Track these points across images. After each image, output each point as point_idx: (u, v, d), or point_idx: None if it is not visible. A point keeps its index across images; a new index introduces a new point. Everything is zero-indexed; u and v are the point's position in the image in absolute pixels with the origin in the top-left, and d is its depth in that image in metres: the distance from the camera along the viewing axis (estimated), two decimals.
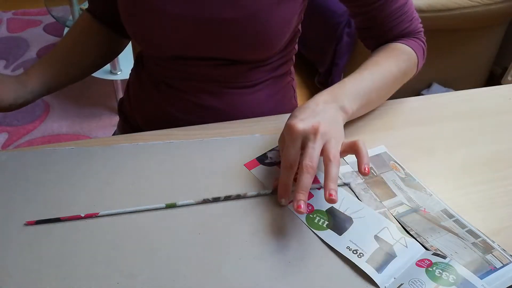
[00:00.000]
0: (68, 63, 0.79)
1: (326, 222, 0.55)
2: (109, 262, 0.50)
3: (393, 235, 0.53)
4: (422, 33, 0.76)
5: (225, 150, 0.64)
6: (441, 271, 0.48)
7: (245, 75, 0.75)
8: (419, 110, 0.75)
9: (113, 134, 0.95)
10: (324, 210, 0.56)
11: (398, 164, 0.64)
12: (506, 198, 0.60)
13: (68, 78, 0.80)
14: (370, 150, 0.65)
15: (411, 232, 0.54)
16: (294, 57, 0.83)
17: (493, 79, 2.05)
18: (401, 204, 0.58)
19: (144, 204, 0.56)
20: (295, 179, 0.54)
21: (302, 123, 0.55)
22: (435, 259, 0.50)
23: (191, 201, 0.56)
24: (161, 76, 0.77)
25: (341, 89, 0.63)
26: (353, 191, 0.59)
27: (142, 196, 0.57)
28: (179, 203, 0.56)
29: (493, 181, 0.62)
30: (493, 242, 0.53)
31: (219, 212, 0.56)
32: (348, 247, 0.52)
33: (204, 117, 0.76)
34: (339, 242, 0.52)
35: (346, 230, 0.54)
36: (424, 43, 0.76)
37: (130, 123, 0.87)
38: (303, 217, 0.55)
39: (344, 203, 0.57)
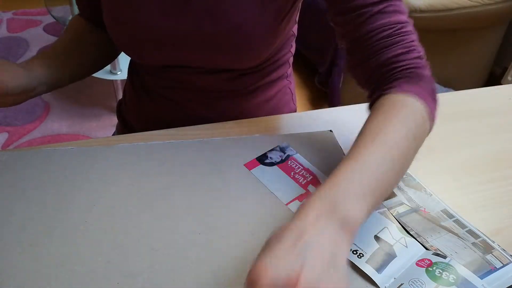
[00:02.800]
0: (68, 58, 0.74)
1: None
2: (109, 262, 0.50)
3: (393, 235, 0.53)
4: (424, 68, 0.56)
5: (225, 150, 0.64)
6: (441, 271, 0.48)
7: (236, 82, 0.74)
8: None
9: (113, 134, 0.95)
10: None
11: None
12: (506, 198, 0.60)
13: (69, 73, 0.75)
14: None
15: (411, 232, 0.54)
16: (291, 59, 0.82)
17: (493, 79, 2.05)
18: (401, 204, 0.58)
19: (144, 204, 0.56)
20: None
21: (273, 268, 0.36)
22: (435, 259, 0.50)
23: None
24: (152, 84, 0.77)
25: (339, 187, 0.43)
26: None
27: (142, 196, 0.57)
28: None
29: (493, 181, 0.62)
30: (493, 242, 0.53)
31: (219, 212, 0.56)
32: None
33: (200, 123, 0.75)
34: None
35: None
36: (430, 80, 0.56)
37: (127, 126, 0.87)
38: None
39: None
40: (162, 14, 0.65)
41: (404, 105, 0.52)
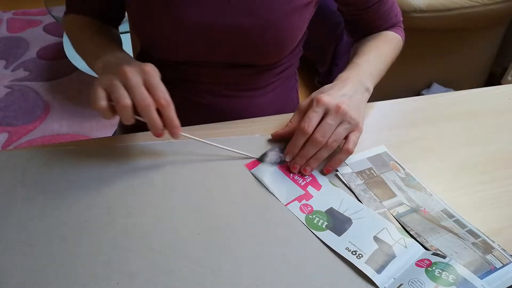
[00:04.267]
0: (118, 45, 0.71)
1: (326, 223, 0.55)
2: (109, 262, 0.50)
3: (393, 235, 0.53)
4: (402, 22, 0.84)
5: (225, 150, 0.64)
6: (440, 271, 0.48)
7: (252, 78, 0.76)
8: (419, 110, 0.75)
9: (113, 134, 0.95)
10: (324, 211, 0.56)
11: (398, 164, 0.64)
12: (506, 198, 0.60)
13: None
14: (370, 150, 0.65)
15: (411, 232, 0.54)
16: (299, 59, 0.84)
17: (493, 79, 2.05)
18: (401, 204, 0.58)
19: (144, 204, 0.56)
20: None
21: (328, 97, 0.60)
22: (434, 259, 0.50)
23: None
24: (165, 78, 0.77)
25: (361, 70, 0.68)
26: (353, 192, 0.59)
27: (142, 196, 0.57)
28: None
29: (493, 181, 0.62)
30: (493, 242, 0.53)
31: (219, 212, 0.56)
32: (347, 248, 0.51)
33: (209, 118, 0.75)
34: (338, 243, 0.52)
35: (345, 231, 0.54)
36: (403, 28, 0.84)
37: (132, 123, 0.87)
38: (302, 218, 0.55)
39: (344, 203, 0.57)
40: (204, 10, 0.66)
41: (392, 38, 0.79)
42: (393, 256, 0.51)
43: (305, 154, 0.59)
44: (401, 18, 0.83)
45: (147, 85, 0.53)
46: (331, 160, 0.60)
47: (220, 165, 0.62)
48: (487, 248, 0.52)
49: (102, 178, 0.60)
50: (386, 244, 0.52)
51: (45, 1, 1.99)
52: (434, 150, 0.67)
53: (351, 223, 0.55)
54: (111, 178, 0.59)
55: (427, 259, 0.50)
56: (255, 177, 0.60)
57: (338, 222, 0.55)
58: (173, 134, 0.55)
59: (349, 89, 0.62)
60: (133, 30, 0.72)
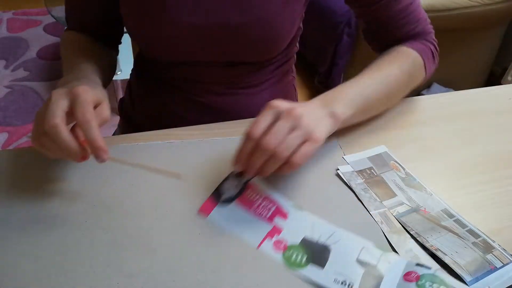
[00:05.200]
0: (100, 73, 0.70)
1: (305, 256, 0.51)
2: (109, 262, 0.50)
3: (373, 253, 0.51)
4: (432, 35, 0.73)
5: (225, 150, 0.64)
6: (431, 283, 0.47)
7: (250, 76, 0.76)
8: (419, 110, 0.75)
9: (113, 134, 0.95)
10: (298, 243, 0.52)
11: (399, 164, 0.64)
12: (506, 198, 0.60)
13: (105, 84, 0.71)
14: (371, 150, 0.65)
15: (411, 232, 0.54)
16: (295, 54, 0.84)
17: (493, 79, 2.05)
18: (402, 204, 0.58)
19: (144, 204, 0.56)
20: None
21: (281, 103, 0.53)
22: (420, 270, 0.49)
23: None
24: (165, 78, 0.77)
25: (335, 94, 0.61)
26: (353, 191, 0.59)
27: (142, 196, 0.57)
28: None
29: (493, 181, 0.62)
30: (494, 241, 0.53)
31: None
32: (335, 280, 0.49)
33: (210, 116, 0.76)
34: (324, 276, 0.49)
35: (327, 260, 0.50)
36: (434, 45, 0.72)
37: (131, 122, 0.87)
38: (279, 258, 0.51)
39: (316, 229, 0.54)
40: (197, 11, 0.66)
41: (406, 54, 0.69)
42: (381, 277, 0.49)
43: (252, 164, 0.52)
44: (430, 30, 0.72)
45: (71, 106, 0.50)
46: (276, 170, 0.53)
47: (219, 165, 0.62)
48: (487, 247, 0.52)
49: (102, 178, 0.59)
50: (371, 265, 0.50)
51: (45, 1, 1.99)
52: (434, 150, 0.67)
53: (330, 250, 0.51)
54: (111, 178, 0.59)
55: (414, 272, 0.49)
56: (255, 177, 0.59)
57: (317, 253, 0.51)
58: (97, 157, 0.49)
59: (309, 108, 0.55)
60: (129, 33, 0.73)
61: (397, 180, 0.61)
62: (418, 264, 0.50)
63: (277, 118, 0.52)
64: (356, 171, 0.62)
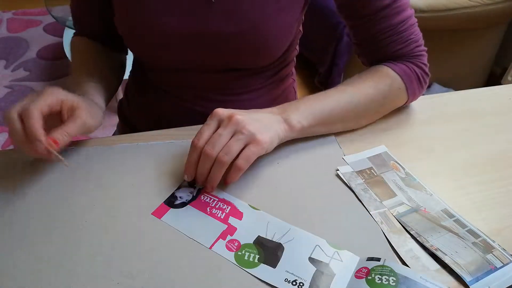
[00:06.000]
0: (106, 82, 0.74)
1: (257, 256, 0.51)
2: (109, 262, 0.50)
3: (326, 251, 0.51)
4: (423, 58, 0.69)
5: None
6: (380, 276, 0.47)
7: (245, 82, 0.75)
8: (419, 110, 0.75)
9: (113, 134, 0.95)
10: (252, 242, 0.52)
11: (399, 164, 0.64)
12: (507, 198, 0.60)
13: (110, 95, 0.75)
14: (371, 150, 0.65)
15: (411, 232, 0.54)
16: (295, 58, 0.83)
17: (493, 79, 2.05)
18: (402, 204, 0.58)
19: (144, 204, 0.56)
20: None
21: (223, 110, 0.56)
22: (370, 264, 0.48)
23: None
24: (160, 84, 0.77)
25: (298, 104, 0.62)
26: (353, 191, 0.59)
27: (142, 196, 0.57)
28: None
29: (493, 181, 0.62)
30: (494, 241, 0.53)
31: None
32: (286, 280, 0.48)
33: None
34: (275, 276, 0.49)
35: (279, 260, 0.50)
36: (422, 69, 0.68)
37: (129, 125, 0.87)
38: (231, 257, 0.51)
39: (270, 227, 0.54)
40: (184, 19, 0.66)
41: (384, 74, 0.67)
42: (332, 275, 0.49)
43: (200, 172, 0.55)
44: (420, 53, 0.69)
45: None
46: (226, 176, 0.55)
47: None
48: (487, 247, 0.52)
49: (102, 178, 0.60)
50: (323, 263, 0.50)
51: (45, 1, 1.99)
52: (434, 150, 0.67)
53: (283, 249, 0.51)
54: (111, 178, 0.59)
55: (364, 267, 0.48)
56: (253, 177, 0.60)
57: (269, 252, 0.51)
58: (32, 147, 0.53)
59: (261, 114, 0.58)
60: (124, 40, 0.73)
61: (397, 180, 0.61)
62: (369, 258, 0.49)
63: (219, 125, 0.55)
64: (356, 172, 0.62)
